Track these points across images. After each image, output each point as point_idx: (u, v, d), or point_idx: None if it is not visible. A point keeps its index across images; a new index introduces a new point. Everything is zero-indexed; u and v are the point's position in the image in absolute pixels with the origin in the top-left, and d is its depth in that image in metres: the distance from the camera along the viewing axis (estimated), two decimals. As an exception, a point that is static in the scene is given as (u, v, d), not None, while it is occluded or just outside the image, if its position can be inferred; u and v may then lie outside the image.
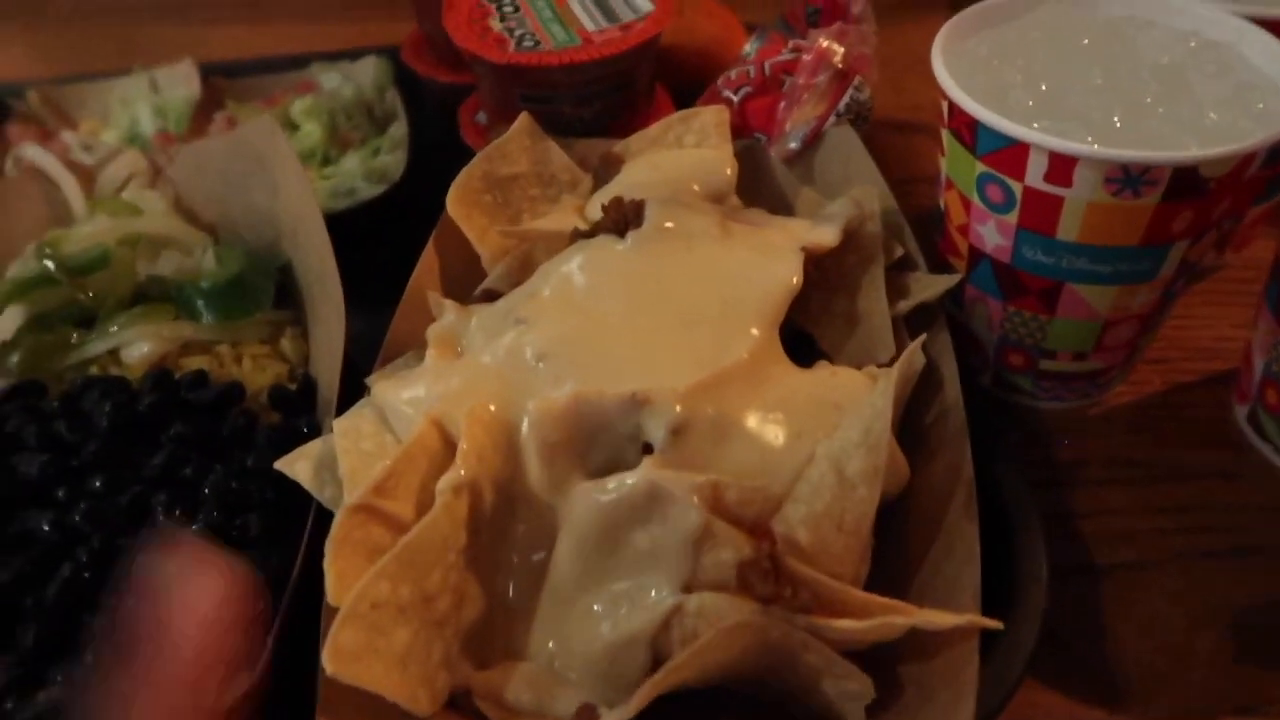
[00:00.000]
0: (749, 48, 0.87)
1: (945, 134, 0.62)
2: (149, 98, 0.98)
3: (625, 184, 0.69)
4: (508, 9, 0.79)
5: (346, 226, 0.72)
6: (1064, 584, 0.57)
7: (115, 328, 0.66)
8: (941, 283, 0.62)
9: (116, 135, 0.96)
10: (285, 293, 0.75)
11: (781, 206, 0.75)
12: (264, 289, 0.72)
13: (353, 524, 0.49)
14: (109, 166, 0.82)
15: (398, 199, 0.83)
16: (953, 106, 0.59)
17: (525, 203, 0.73)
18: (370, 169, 0.86)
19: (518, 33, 0.77)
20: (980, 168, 0.59)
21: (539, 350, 0.55)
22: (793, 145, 0.74)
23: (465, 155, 0.75)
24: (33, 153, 0.84)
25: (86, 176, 0.84)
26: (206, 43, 1.12)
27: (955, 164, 0.62)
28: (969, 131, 0.59)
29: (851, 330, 0.62)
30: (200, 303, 0.68)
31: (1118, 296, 0.61)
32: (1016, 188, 0.58)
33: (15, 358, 0.65)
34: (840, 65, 0.75)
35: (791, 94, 0.75)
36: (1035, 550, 0.55)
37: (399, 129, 0.91)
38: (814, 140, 0.74)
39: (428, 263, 0.69)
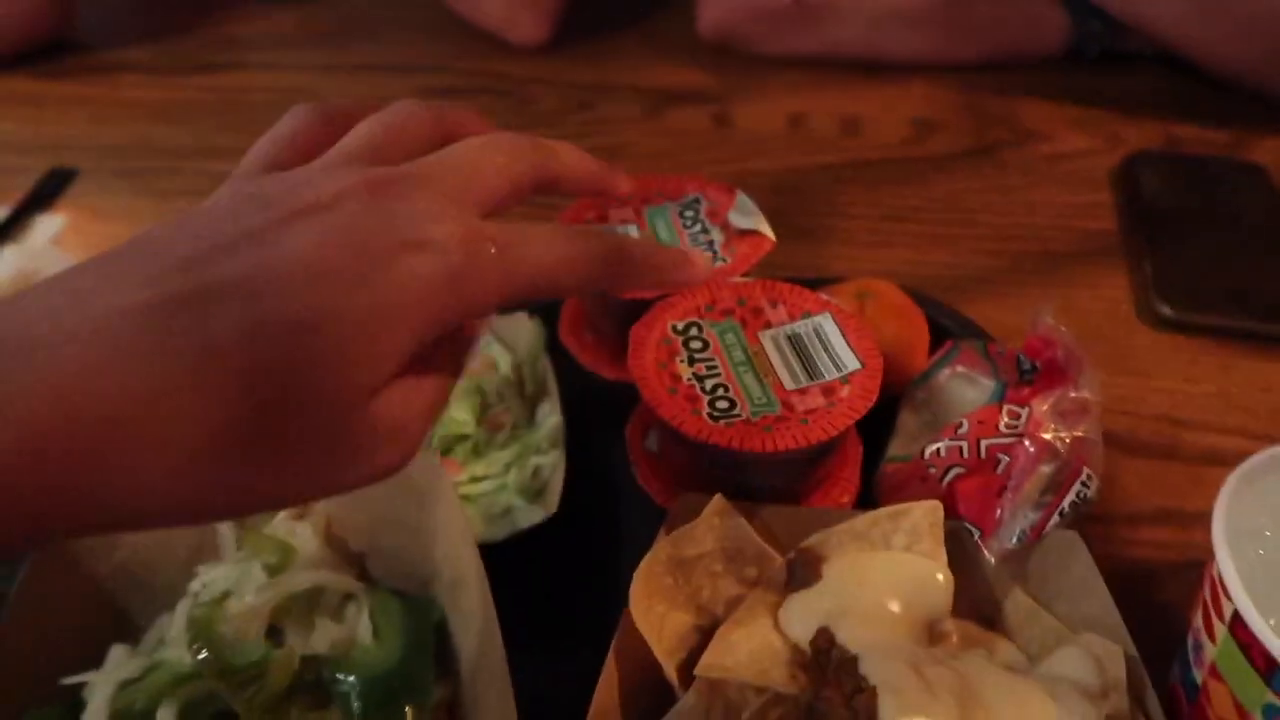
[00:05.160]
0: (940, 364, 0.80)
1: (1219, 628, 0.55)
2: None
3: (828, 606, 0.62)
4: (695, 346, 0.73)
5: (503, 559, 0.66)
6: None
7: (267, 742, 0.60)
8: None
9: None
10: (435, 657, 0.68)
11: (988, 605, 0.68)
12: (424, 667, 0.65)
13: None
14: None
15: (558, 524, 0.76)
16: (1239, 618, 0.52)
17: (706, 578, 0.67)
18: (524, 481, 0.79)
19: (709, 383, 0.70)
20: (1271, 699, 0.52)
21: None
22: (1012, 544, 0.67)
23: (627, 485, 0.70)
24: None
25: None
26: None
27: (1233, 668, 0.54)
28: (1264, 661, 0.51)
29: None
30: (356, 704, 0.62)
31: None
32: (1321, 739, 0.50)
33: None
34: (1064, 455, 0.67)
35: (1014, 484, 0.68)
36: None
37: (551, 418, 0.83)
38: (1035, 540, 0.67)
39: (608, 679, 0.62)
